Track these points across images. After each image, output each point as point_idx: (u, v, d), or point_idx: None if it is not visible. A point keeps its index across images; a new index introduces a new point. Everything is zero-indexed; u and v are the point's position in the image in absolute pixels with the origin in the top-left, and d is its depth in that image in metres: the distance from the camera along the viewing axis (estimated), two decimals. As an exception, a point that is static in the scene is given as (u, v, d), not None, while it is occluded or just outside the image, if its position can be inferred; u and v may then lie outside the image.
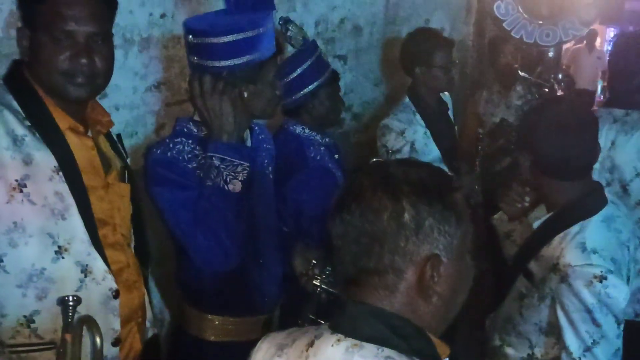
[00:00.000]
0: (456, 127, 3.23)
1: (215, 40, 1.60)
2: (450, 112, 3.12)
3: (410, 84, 2.93)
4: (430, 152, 2.84)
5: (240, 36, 1.60)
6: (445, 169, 2.87)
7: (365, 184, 0.95)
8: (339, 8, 3.29)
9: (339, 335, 0.93)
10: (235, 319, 1.79)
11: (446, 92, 3.06)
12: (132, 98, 2.39)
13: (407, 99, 2.89)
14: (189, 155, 1.64)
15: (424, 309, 0.94)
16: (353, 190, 0.96)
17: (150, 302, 1.72)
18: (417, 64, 2.83)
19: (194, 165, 1.63)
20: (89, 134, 1.54)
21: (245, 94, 1.66)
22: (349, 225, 0.94)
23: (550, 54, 4.25)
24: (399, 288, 0.93)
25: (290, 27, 2.32)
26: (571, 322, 1.55)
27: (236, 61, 1.62)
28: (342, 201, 0.96)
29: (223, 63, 1.61)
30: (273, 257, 1.88)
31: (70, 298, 1.34)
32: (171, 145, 1.65)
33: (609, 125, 2.33)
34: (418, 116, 2.85)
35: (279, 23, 2.37)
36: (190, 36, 1.65)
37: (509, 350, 1.78)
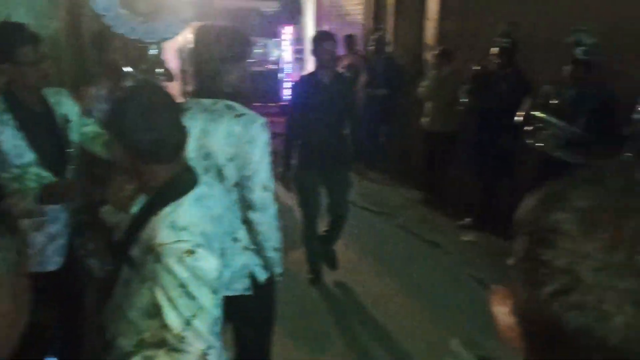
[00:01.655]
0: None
1: None
2: (55, 113, 3.05)
3: (3, 83, 2.81)
4: (23, 155, 2.76)
5: None
6: (45, 173, 2.83)
7: None
8: None
9: None
10: None
11: (62, 91, 3.01)
12: None
13: (-4, 98, 2.75)
14: None
15: None
16: None
17: None
18: (3, 61, 2.72)
19: None
20: None
21: None
22: None
23: (154, 51, 4.52)
24: None
25: None
26: (170, 299, 1.61)
27: None
28: None
29: None
30: None
31: None
32: None
33: (200, 115, 2.49)
34: (7, 116, 2.74)
35: None
36: None
37: (122, 341, 1.79)
